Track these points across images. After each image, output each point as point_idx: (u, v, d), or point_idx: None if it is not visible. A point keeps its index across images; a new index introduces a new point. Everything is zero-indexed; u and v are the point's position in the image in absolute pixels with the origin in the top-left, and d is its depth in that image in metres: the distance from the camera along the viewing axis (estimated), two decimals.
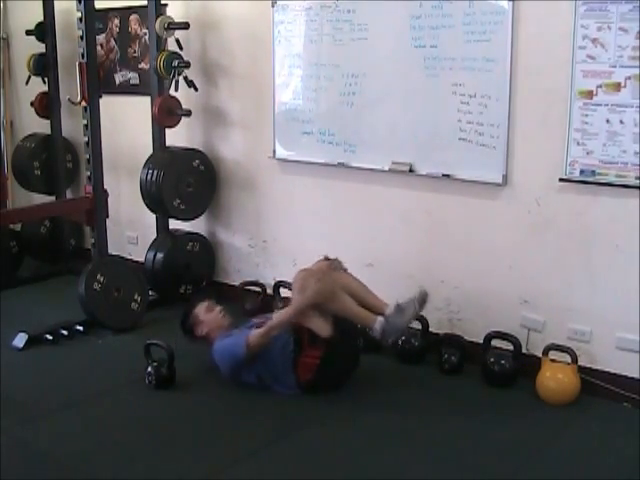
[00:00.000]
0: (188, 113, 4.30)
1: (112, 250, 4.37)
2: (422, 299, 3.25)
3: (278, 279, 4.28)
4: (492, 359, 3.40)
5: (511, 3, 3.26)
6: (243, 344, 3.27)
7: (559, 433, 2.98)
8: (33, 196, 5.32)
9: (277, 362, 3.29)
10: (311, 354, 3.25)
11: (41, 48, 4.93)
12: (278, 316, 3.36)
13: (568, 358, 3.22)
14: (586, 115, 3.13)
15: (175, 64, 4.20)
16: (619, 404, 3.21)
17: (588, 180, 3.16)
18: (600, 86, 3.08)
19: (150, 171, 4.30)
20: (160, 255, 4.45)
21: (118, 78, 4.94)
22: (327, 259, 3.47)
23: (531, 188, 3.36)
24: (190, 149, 4.50)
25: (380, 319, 3.22)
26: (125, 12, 4.79)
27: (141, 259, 4.61)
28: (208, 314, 3.57)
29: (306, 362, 3.25)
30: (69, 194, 5.26)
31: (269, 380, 3.32)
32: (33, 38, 4.96)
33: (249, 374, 3.34)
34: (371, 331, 3.24)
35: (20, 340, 3.84)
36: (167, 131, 4.42)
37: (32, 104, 5.05)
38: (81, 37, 3.97)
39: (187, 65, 4.24)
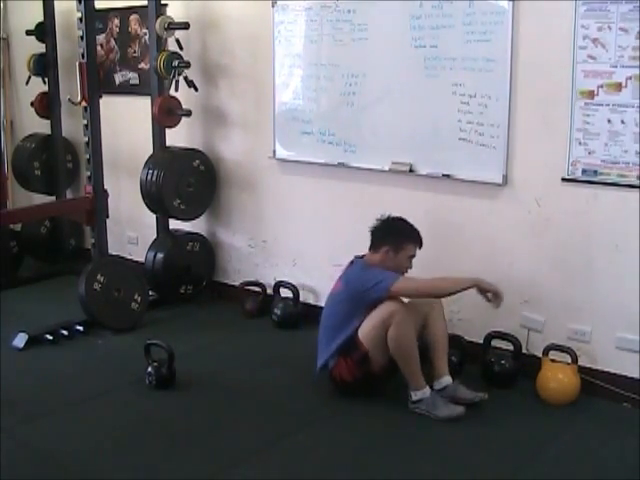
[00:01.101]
0: (188, 113, 4.30)
1: (112, 250, 4.37)
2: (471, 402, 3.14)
3: (278, 279, 4.28)
4: (492, 359, 3.41)
5: (511, 3, 3.26)
6: (391, 280, 3.10)
7: (559, 433, 2.98)
8: (33, 196, 5.32)
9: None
10: (349, 368, 3.18)
11: (41, 48, 4.93)
12: (439, 283, 3.17)
13: (568, 358, 3.22)
14: (587, 115, 3.13)
15: (175, 64, 4.20)
16: (619, 404, 3.21)
17: (590, 180, 3.17)
18: (601, 86, 3.08)
19: (150, 171, 4.29)
20: (160, 255, 4.45)
21: (118, 78, 4.94)
22: None
23: (531, 188, 3.36)
24: (190, 149, 4.50)
25: (425, 392, 3.09)
26: (125, 12, 4.79)
27: (141, 259, 4.61)
28: (405, 260, 3.25)
29: (341, 369, 3.20)
30: (69, 194, 5.26)
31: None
32: (33, 38, 4.96)
33: (355, 321, 3.20)
34: (409, 391, 3.12)
35: (20, 340, 3.84)
36: (167, 131, 4.41)
37: (32, 104, 5.05)
38: (81, 37, 3.97)
39: (187, 65, 4.24)
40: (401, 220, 3.33)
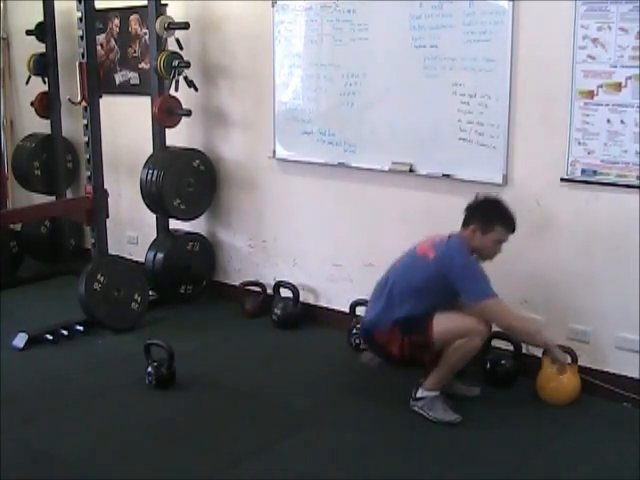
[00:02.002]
0: (188, 113, 4.30)
1: (112, 250, 4.37)
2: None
3: (278, 279, 4.28)
4: (492, 359, 3.41)
5: (511, 3, 3.26)
6: (490, 293, 2.95)
7: (559, 433, 2.99)
8: (33, 196, 5.31)
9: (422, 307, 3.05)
10: (403, 345, 3.03)
11: (41, 48, 4.93)
12: (528, 327, 3.10)
13: (568, 358, 3.22)
14: (587, 115, 3.13)
15: (175, 64, 4.20)
16: (619, 404, 3.21)
17: (590, 180, 3.17)
18: (601, 86, 3.08)
19: (150, 171, 4.29)
20: (160, 255, 4.45)
21: (118, 78, 4.93)
22: None
23: (531, 188, 3.36)
24: (190, 149, 4.50)
25: (431, 393, 3.06)
26: (125, 12, 4.78)
27: (141, 259, 4.61)
28: (492, 244, 3.07)
29: (392, 341, 3.05)
30: (69, 194, 5.26)
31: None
32: (33, 38, 4.95)
33: (428, 303, 3.05)
34: (419, 388, 3.10)
35: (20, 340, 3.84)
36: (167, 131, 4.41)
37: (32, 104, 5.04)
38: (81, 37, 3.97)
39: (187, 65, 4.24)
40: (497, 201, 3.11)
